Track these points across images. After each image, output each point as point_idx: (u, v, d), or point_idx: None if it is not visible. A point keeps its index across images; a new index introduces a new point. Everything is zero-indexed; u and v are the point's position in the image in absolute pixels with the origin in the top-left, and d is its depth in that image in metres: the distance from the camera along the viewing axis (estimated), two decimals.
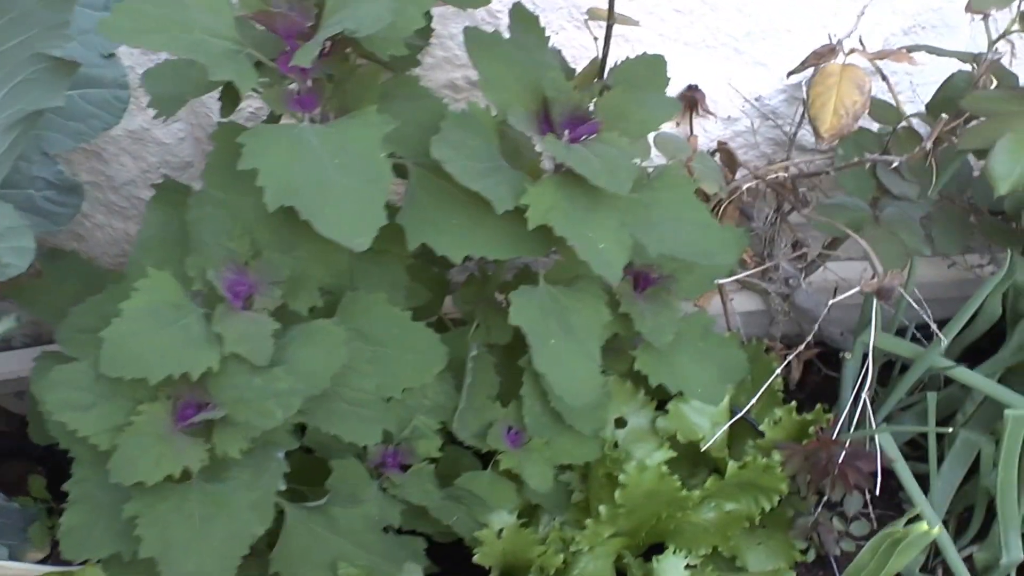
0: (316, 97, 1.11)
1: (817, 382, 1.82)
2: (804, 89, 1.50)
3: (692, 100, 1.53)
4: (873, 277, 1.27)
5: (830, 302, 1.39)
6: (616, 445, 1.41)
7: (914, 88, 1.58)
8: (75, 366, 1.09)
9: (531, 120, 1.12)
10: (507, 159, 1.15)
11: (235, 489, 1.11)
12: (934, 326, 1.46)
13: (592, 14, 1.34)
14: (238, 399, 1.09)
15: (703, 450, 1.39)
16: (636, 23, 1.37)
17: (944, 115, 1.36)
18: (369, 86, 1.14)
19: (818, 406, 1.47)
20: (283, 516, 1.20)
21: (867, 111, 1.39)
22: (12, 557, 1.44)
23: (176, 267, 1.14)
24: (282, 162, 0.99)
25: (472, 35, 1.17)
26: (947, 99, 1.45)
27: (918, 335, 1.61)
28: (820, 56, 1.44)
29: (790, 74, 1.51)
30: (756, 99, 1.56)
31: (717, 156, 1.56)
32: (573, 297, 1.19)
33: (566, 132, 1.12)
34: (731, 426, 1.44)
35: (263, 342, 1.09)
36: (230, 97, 1.14)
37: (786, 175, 1.50)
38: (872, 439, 1.44)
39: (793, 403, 1.48)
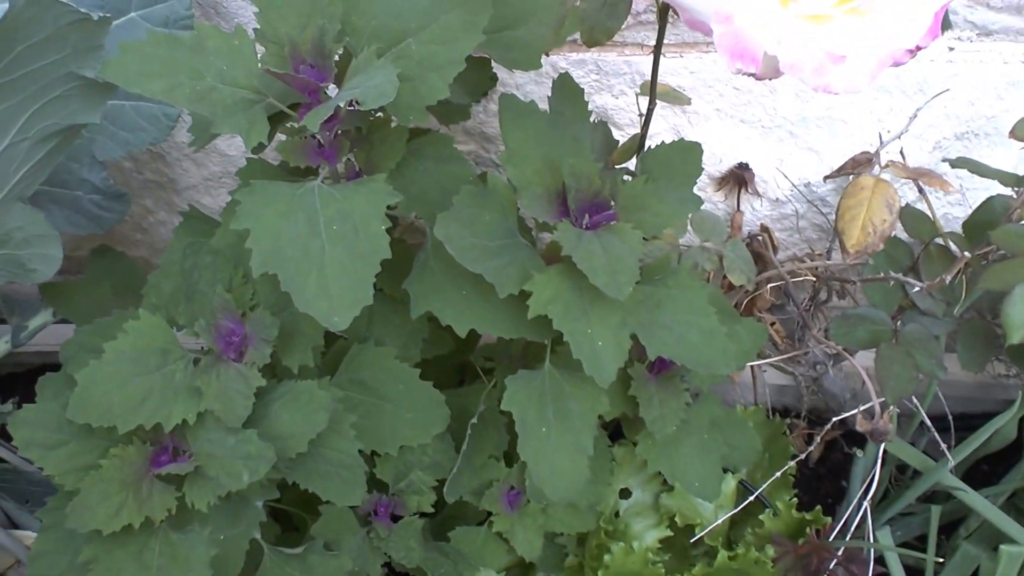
0: (338, 151, 0.98)
1: (838, 459, 1.66)
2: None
3: (741, 178, 1.39)
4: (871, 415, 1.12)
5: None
6: (617, 515, 1.28)
7: (963, 192, 1.42)
8: (44, 407, 0.97)
9: (550, 202, 0.98)
10: (541, 228, 1.02)
11: (200, 541, 0.98)
12: (945, 447, 1.32)
13: (644, 89, 1.19)
14: (211, 455, 0.97)
15: (697, 538, 1.26)
16: (688, 101, 1.23)
17: (967, 252, 1.21)
18: (395, 143, 1.01)
19: (817, 508, 1.32)
20: (261, 554, 1.08)
21: (900, 224, 1.23)
22: None
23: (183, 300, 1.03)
24: (273, 226, 0.86)
25: (506, 103, 1.03)
26: (982, 222, 1.29)
27: (934, 432, 1.45)
28: (857, 164, 1.29)
29: (827, 178, 1.36)
30: (805, 185, 1.41)
31: (759, 238, 1.41)
32: (576, 383, 1.04)
33: (584, 217, 0.98)
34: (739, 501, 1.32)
35: (241, 402, 0.96)
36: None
37: (814, 279, 1.35)
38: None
39: (794, 499, 1.33)
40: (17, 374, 1.74)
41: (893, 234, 1.26)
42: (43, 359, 1.73)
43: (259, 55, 0.94)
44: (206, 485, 0.96)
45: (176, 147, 1.46)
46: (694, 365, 0.99)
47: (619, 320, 0.96)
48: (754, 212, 1.45)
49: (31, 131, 1.03)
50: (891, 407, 1.16)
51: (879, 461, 1.26)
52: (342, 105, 0.92)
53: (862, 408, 1.17)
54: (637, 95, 1.28)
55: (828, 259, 1.41)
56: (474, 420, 1.16)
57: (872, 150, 1.31)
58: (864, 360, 1.44)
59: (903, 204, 1.28)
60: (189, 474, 0.97)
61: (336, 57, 0.94)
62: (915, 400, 1.36)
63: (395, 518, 1.18)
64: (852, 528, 1.33)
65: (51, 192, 1.27)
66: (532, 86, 1.32)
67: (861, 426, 1.14)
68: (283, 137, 0.99)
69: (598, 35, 0.95)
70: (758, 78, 0.68)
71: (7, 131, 1.00)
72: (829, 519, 1.31)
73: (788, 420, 1.46)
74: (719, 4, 0.65)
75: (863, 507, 1.27)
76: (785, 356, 1.42)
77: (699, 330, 0.99)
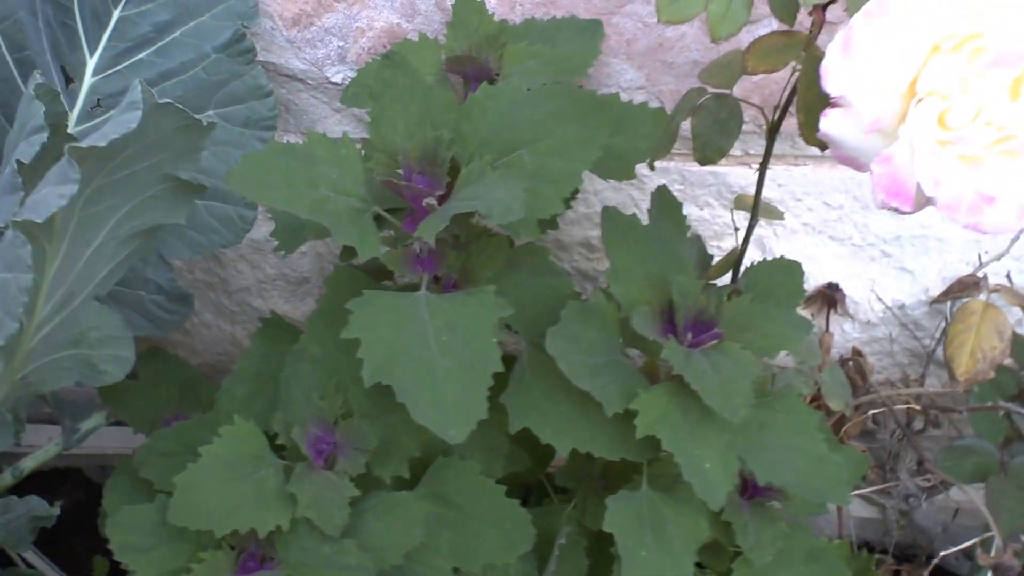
0: (438, 260, 1.09)
1: None
2: (948, 309, 1.45)
3: (831, 299, 1.49)
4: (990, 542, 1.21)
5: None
6: None
7: None
8: (142, 509, 1.08)
9: (655, 319, 1.09)
10: (631, 345, 1.12)
11: None
12: None
13: (738, 203, 1.31)
14: (303, 563, 1.06)
15: None
16: (781, 216, 1.34)
17: None
18: (495, 254, 1.12)
19: None
20: None
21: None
22: None
23: (264, 405, 1.13)
24: (386, 337, 0.97)
25: (609, 216, 1.14)
26: None
27: None
28: (964, 287, 1.39)
29: (933, 303, 1.47)
30: (899, 307, 1.51)
31: (851, 363, 1.51)
32: (674, 507, 1.14)
33: (688, 335, 1.08)
34: None
35: (337, 511, 1.06)
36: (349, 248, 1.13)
37: (915, 405, 1.45)
38: None
39: None
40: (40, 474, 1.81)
41: None
42: (65, 462, 1.83)
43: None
44: None
45: (233, 248, 1.56)
46: (804, 493, 1.08)
47: (727, 442, 1.06)
48: (844, 334, 1.55)
49: (120, 231, 1.13)
50: (1013, 543, 1.24)
51: None
52: None
53: (975, 540, 1.25)
54: (732, 210, 1.39)
55: (922, 385, 1.51)
56: (562, 540, 1.24)
57: (971, 271, 1.42)
58: (961, 494, 1.53)
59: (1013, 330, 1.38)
60: None
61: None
62: None
63: None
64: None
65: (114, 291, 1.34)
66: (610, 192, 1.43)
67: (983, 560, 1.21)
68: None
69: (711, 154, 1.06)
70: (902, 213, 0.80)
71: (101, 229, 1.11)
72: None
73: (875, 556, 1.53)
74: (878, 143, 0.78)
75: None
76: (876, 488, 1.51)
77: (808, 456, 1.09)
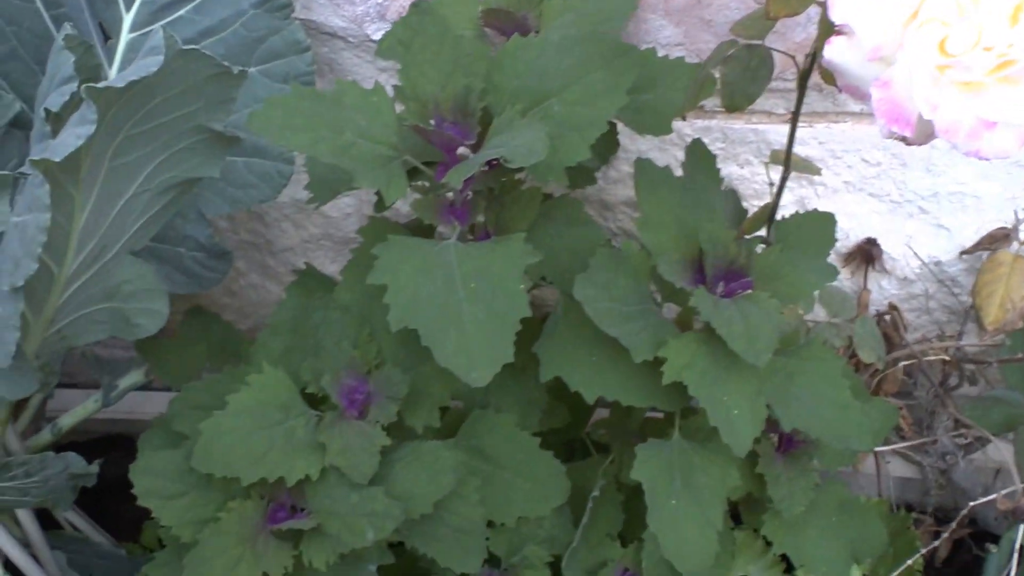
0: (471, 210, 1.08)
1: (966, 561, 1.69)
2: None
3: (869, 254, 1.46)
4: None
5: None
6: None
7: None
8: (167, 455, 1.06)
9: (685, 268, 1.07)
10: (666, 299, 1.11)
11: None
12: None
13: (774, 158, 1.28)
14: (332, 512, 1.04)
15: None
16: (818, 171, 1.31)
17: None
18: (528, 205, 1.10)
19: None
20: None
21: None
22: None
23: (300, 358, 1.11)
24: (411, 281, 0.95)
25: (641, 167, 1.12)
26: None
27: None
28: (995, 239, 1.36)
29: (963, 254, 1.44)
30: (935, 263, 1.48)
31: (887, 317, 1.48)
32: (705, 456, 1.12)
33: (719, 285, 1.06)
34: None
35: (367, 459, 1.05)
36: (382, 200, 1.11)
37: (944, 363, 1.42)
38: None
39: None
40: (78, 443, 1.81)
41: None
42: (115, 428, 1.82)
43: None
44: (325, 543, 1.04)
45: (276, 207, 1.55)
46: (828, 439, 1.06)
47: (755, 389, 1.04)
48: (881, 290, 1.52)
49: (153, 183, 1.12)
50: None
51: (1015, 556, 1.30)
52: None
53: (1003, 492, 1.22)
54: (767, 164, 1.36)
55: (960, 341, 1.48)
56: (595, 493, 1.22)
57: (1008, 227, 1.39)
58: (999, 453, 1.50)
59: None
60: (307, 532, 1.05)
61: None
62: None
63: None
64: None
65: (152, 247, 1.34)
66: (656, 152, 1.41)
67: (1002, 505, 1.19)
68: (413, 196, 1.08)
69: (739, 101, 1.04)
70: (909, 143, 0.79)
71: (133, 180, 1.09)
72: None
73: (913, 515, 1.51)
74: (880, 71, 0.76)
75: None
76: (912, 443, 1.48)
77: (833, 403, 1.07)
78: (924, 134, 0.78)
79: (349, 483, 1.05)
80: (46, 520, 1.46)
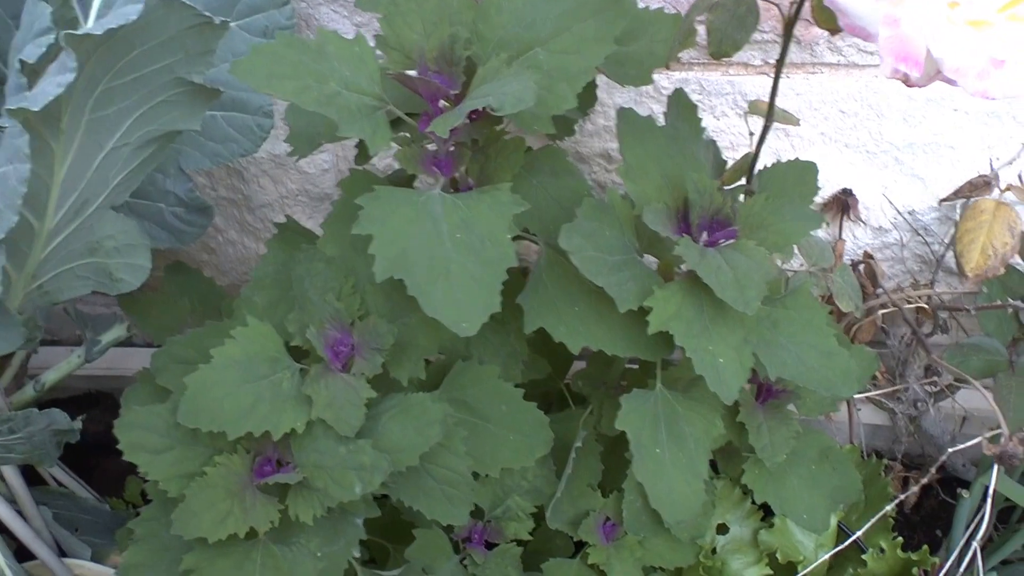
0: (454, 161, 1.04)
1: (933, 507, 1.68)
2: (958, 214, 1.39)
3: (844, 204, 1.43)
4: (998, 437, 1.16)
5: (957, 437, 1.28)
6: (714, 551, 1.32)
7: None
8: (153, 409, 1.02)
9: (669, 218, 1.03)
10: (645, 249, 1.07)
11: (303, 554, 1.03)
12: None
13: (753, 108, 1.25)
14: (319, 465, 1.01)
15: None
16: (796, 122, 1.28)
17: None
18: (512, 155, 1.06)
19: (924, 548, 1.34)
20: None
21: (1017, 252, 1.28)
22: (95, 558, 1.40)
23: (284, 312, 1.08)
24: (398, 232, 0.91)
25: (625, 117, 1.08)
26: None
27: None
28: (974, 187, 1.34)
29: (942, 201, 1.41)
30: (909, 213, 1.45)
31: (862, 267, 1.46)
32: (688, 405, 1.09)
33: (703, 234, 1.03)
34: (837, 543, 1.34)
35: (352, 411, 1.01)
36: (365, 148, 1.07)
37: (925, 304, 1.39)
38: None
39: (900, 538, 1.36)
40: (60, 400, 1.77)
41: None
42: (97, 385, 1.79)
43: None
44: (312, 496, 1.01)
45: (255, 163, 1.51)
46: (814, 386, 1.03)
47: (741, 338, 1.01)
48: (856, 240, 1.49)
49: (133, 136, 1.08)
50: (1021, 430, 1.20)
51: (989, 501, 1.28)
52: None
53: (987, 435, 1.20)
54: (746, 114, 1.33)
55: (932, 289, 1.46)
56: (578, 444, 1.20)
57: (988, 174, 1.36)
58: (968, 401, 1.49)
59: None
60: (294, 485, 1.02)
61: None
62: None
63: (488, 545, 1.22)
64: (960, 573, 1.35)
65: (132, 203, 1.31)
66: (631, 106, 1.37)
67: (988, 450, 1.17)
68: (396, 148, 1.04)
69: (727, 47, 1.00)
70: (910, 84, 0.75)
71: (112, 134, 1.05)
72: (936, 560, 1.33)
73: (884, 462, 1.49)
74: (887, 9, 0.72)
75: (972, 549, 1.30)
76: (885, 391, 1.46)
77: (818, 351, 1.05)
78: (928, 75, 0.75)
79: (336, 436, 1.01)
80: (31, 476, 1.43)
